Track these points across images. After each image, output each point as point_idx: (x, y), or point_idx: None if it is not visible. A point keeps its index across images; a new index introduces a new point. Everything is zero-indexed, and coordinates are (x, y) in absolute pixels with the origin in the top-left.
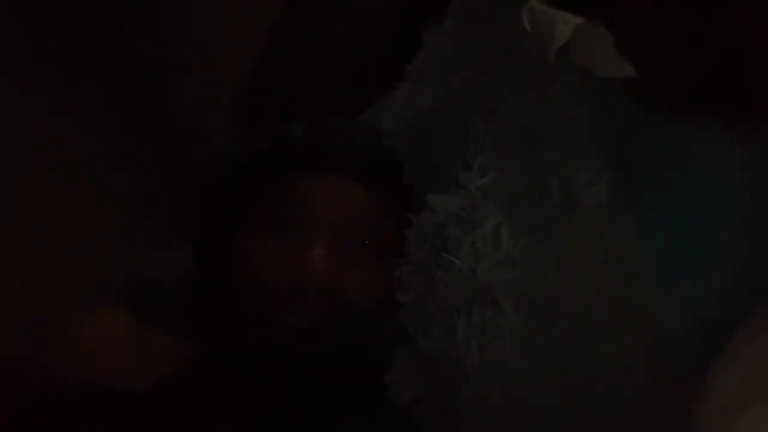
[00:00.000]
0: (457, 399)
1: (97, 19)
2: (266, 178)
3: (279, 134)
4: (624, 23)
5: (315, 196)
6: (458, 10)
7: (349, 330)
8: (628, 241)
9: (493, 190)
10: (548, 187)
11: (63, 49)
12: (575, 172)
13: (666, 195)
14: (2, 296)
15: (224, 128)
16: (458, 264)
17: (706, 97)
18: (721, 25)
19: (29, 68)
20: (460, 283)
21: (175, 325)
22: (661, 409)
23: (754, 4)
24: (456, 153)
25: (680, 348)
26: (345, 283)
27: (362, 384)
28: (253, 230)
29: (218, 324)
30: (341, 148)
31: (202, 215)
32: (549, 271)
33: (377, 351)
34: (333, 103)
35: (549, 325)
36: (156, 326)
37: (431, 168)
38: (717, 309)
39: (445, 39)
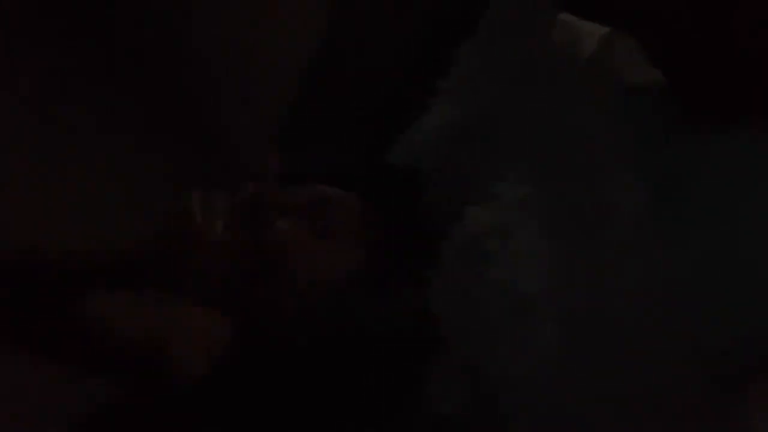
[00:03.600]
0: (498, 412)
1: (133, 30)
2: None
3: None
4: (651, 32)
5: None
6: (489, 25)
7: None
8: (667, 252)
9: (529, 201)
10: (583, 198)
11: (101, 61)
12: (609, 181)
13: (706, 204)
14: None
15: (263, 147)
16: (496, 276)
17: (742, 103)
18: (752, 30)
19: (69, 83)
20: (498, 296)
21: None
22: (705, 424)
23: None
24: (490, 165)
25: (725, 362)
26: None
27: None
28: None
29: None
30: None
31: None
32: (587, 282)
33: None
34: (371, 124)
35: (588, 338)
36: None
37: (465, 180)
38: (760, 326)
39: (476, 53)
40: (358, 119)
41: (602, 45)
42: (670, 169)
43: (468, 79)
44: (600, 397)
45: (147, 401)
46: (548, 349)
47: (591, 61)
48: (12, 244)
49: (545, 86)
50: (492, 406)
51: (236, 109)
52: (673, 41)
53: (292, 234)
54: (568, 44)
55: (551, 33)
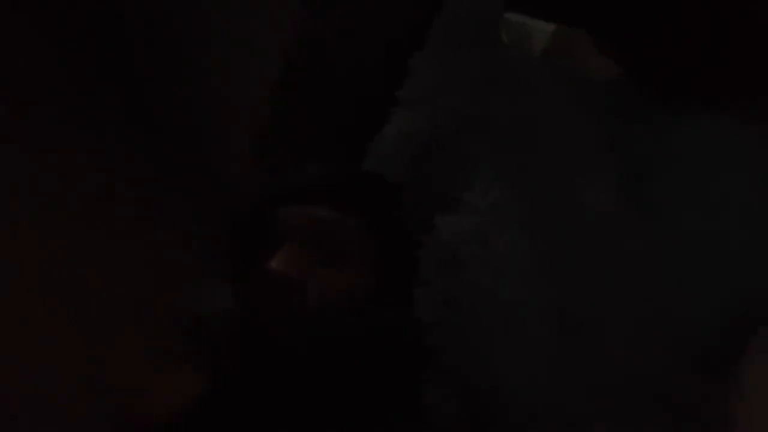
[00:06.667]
0: (491, 416)
1: (123, 54)
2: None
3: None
4: (604, 24)
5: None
6: (439, 34)
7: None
8: (642, 243)
9: (501, 206)
10: (552, 197)
11: (94, 90)
12: (576, 174)
13: (674, 190)
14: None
15: (248, 166)
16: (475, 282)
17: (704, 83)
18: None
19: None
20: (481, 303)
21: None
22: (690, 409)
23: None
24: (456, 173)
25: (707, 348)
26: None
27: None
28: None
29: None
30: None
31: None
32: (568, 281)
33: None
34: (341, 137)
35: (574, 336)
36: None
37: (434, 190)
38: (741, 308)
39: (429, 63)
40: (332, 131)
41: (554, 40)
42: (642, 159)
43: (424, 88)
44: (589, 396)
45: None
46: (536, 353)
47: (544, 57)
48: None
49: (502, 87)
50: (485, 413)
51: (221, 130)
52: (625, 29)
53: (293, 264)
54: (519, 43)
55: (501, 34)
